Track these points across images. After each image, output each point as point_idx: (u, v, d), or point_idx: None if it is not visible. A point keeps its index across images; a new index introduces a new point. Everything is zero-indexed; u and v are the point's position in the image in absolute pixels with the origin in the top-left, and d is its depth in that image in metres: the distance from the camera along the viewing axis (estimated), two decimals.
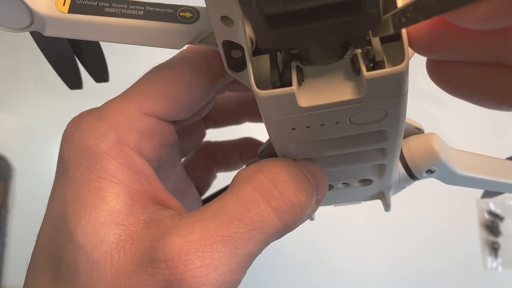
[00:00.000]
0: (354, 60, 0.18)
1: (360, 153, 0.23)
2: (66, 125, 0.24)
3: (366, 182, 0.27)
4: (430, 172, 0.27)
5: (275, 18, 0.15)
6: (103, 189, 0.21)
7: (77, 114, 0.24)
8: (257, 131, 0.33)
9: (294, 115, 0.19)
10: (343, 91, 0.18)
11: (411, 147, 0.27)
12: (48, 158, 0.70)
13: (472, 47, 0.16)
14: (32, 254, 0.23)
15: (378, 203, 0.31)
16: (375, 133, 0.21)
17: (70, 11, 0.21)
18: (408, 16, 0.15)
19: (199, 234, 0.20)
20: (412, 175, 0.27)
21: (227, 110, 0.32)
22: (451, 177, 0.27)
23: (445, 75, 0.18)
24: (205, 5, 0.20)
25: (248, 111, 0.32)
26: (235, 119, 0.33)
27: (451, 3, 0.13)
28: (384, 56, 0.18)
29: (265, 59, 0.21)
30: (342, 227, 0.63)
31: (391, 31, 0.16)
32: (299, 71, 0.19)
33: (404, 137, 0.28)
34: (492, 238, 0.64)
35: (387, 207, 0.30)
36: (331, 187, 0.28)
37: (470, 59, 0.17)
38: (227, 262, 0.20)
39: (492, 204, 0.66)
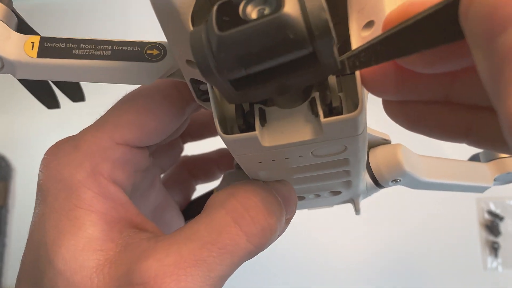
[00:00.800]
0: (312, 104, 0.19)
1: (326, 174, 0.25)
2: (44, 153, 0.25)
3: (335, 193, 0.29)
4: (395, 181, 0.28)
5: (238, 81, 0.16)
6: (80, 218, 0.22)
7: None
8: None
9: (259, 152, 0.20)
10: (303, 132, 0.19)
11: (377, 158, 0.28)
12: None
13: (422, 87, 0.17)
14: (16, 279, 0.24)
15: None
16: (337, 160, 0.22)
17: (39, 55, 0.22)
18: (361, 60, 0.16)
19: (173, 258, 0.21)
20: (378, 184, 0.29)
21: (203, 124, 0.33)
22: (416, 184, 0.29)
23: (399, 113, 0.19)
24: None
25: None
26: (212, 132, 0.34)
27: (398, 52, 0.14)
28: (341, 99, 0.19)
29: None
30: (339, 230, 0.63)
31: (347, 71, 0.17)
32: (262, 113, 0.20)
33: (371, 147, 0.29)
34: (492, 238, 0.65)
35: (357, 211, 0.32)
36: (302, 198, 0.29)
37: (421, 99, 0.18)
38: (200, 285, 0.21)
39: (492, 204, 0.66)
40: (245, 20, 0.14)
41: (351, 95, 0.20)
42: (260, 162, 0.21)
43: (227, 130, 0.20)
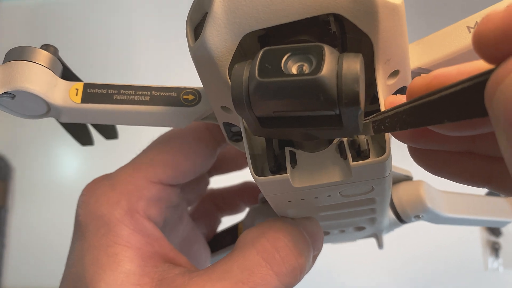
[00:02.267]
0: (341, 147, 0.21)
1: (352, 211, 0.26)
2: (82, 191, 0.27)
3: (360, 228, 0.30)
4: (418, 217, 0.29)
5: (265, 119, 0.18)
6: (119, 253, 0.24)
7: None
8: None
9: (289, 192, 0.22)
10: (332, 174, 0.21)
11: (400, 194, 0.29)
12: (47, 159, 0.71)
13: (447, 141, 0.19)
14: None
15: None
16: (364, 199, 0.24)
17: (83, 100, 0.24)
18: (386, 125, 0.16)
19: None
20: (401, 220, 0.30)
21: (229, 159, 0.34)
22: (438, 219, 0.30)
23: (424, 159, 0.20)
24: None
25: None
26: (237, 166, 0.35)
27: (422, 122, 0.15)
28: (368, 143, 0.20)
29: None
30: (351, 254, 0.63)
31: (372, 133, 0.18)
32: (293, 155, 0.21)
33: (394, 183, 0.30)
34: (493, 238, 0.65)
35: (380, 245, 0.33)
36: (327, 233, 0.31)
37: (446, 149, 0.19)
38: None
39: None
40: (285, 73, 0.16)
41: (376, 137, 0.21)
42: (290, 201, 0.23)
43: (257, 170, 0.22)
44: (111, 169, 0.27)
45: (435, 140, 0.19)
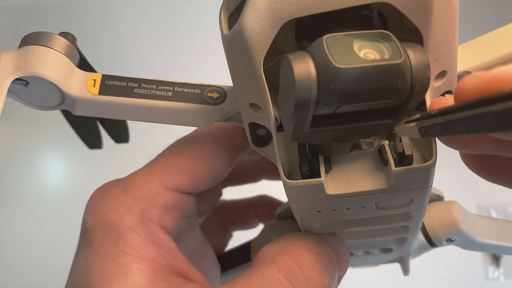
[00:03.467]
0: (381, 151, 0.20)
1: (383, 229, 0.24)
2: (90, 195, 0.25)
3: (386, 250, 0.28)
4: (449, 240, 0.28)
5: (320, 118, 0.17)
6: (128, 265, 0.22)
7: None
8: (273, 188, 0.34)
9: (321, 200, 0.20)
10: (370, 181, 0.19)
11: (431, 216, 0.28)
12: (33, 164, 0.70)
13: (503, 145, 0.17)
14: None
15: None
16: (399, 214, 0.22)
17: (101, 92, 0.22)
18: (436, 131, 0.15)
19: None
20: (432, 243, 0.28)
21: (245, 169, 0.33)
22: (470, 244, 0.29)
23: (480, 165, 0.19)
24: (231, 84, 0.21)
25: (264, 170, 0.33)
26: (252, 178, 0.34)
27: (478, 130, 0.13)
28: (412, 149, 0.19)
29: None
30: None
31: (419, 137, 0.17)
32: (327, 159, 0.20)
33: None
34: None
35: (405, 271, 0.31)
36: (351, 254, 0.29)
37: (502, 154, 0.18)
38: None
39: (494, 211, 0.65)
40: (364, 59, 0.15)
41: (417, 144, 0.20)
42: (319, 211, 0.21)
43: (286, 175, 0.21)
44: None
45: (494, 144, 0.17)
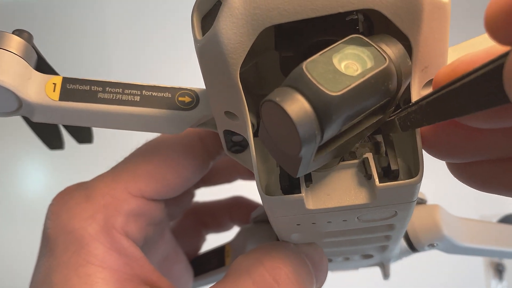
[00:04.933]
0: (365, 164, 0.19)
1: (365, 238, 0.24)
2: (52, 199, 0.25)
3: (367, 256, 0.29)
4: (432, 245, 0.28)
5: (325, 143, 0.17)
6: (92, 275, 0.22)
7: None
8: (248, 189, 0.33)
9: (300, 215, 0.20)
10: (352, 195, 0.19)
11: (413, 220, 0.28)
12: (13, 172, 0.70)
13: (486, 145, 0.17)
14: None
15: None
16: (382, 225, 0.22)
17: (61, 98, 0.21)
18: (412, 120, 0.16)
19: None
20: (413, 248, 0.29)
21: (219, 170, 0.33)
22: (453, 249, 0.29)
23: (469, 174, 0.18)
24: (204, 87, 0.21)
25: (239, 170, 0.33)
26: (227, 179, 0.33)
27: (447, 113, 0.15)
28: (397, 162, 0.19)
29: None
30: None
31: (399, 131, 0.17)
32: (307, 173, 0.20)
33: None
34: (496, 259, 0.63)
35: (386, 276, 0.31)
36: (329, 260, 0.29)
37: (488, 157, 0.18)
38: None
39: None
40: (351, 75, 0.15)
41: (403, 155, 0.20)
42: (299, 224, 0.21)
43: (262, 188, 0.20)
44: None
45: (479, 148, 0.17)
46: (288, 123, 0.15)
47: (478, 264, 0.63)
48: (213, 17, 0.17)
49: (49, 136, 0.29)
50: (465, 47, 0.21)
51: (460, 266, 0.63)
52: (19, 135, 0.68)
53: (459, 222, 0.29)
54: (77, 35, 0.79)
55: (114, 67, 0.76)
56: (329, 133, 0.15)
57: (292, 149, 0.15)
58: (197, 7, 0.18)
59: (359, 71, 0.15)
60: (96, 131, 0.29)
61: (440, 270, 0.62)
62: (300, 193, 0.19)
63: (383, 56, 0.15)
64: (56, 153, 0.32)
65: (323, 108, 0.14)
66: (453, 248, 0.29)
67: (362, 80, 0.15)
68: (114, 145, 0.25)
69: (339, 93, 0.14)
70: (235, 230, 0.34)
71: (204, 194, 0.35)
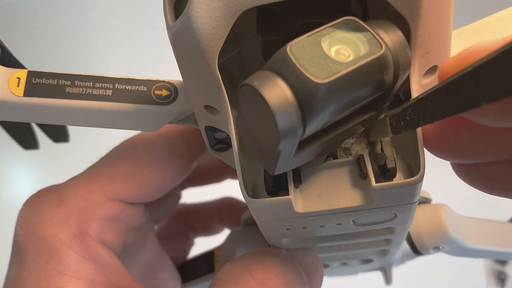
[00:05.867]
0: (360, 162, 0.18)
1: (362, 242, 0.23)
2: (23, 203, 0.23)
3: (366, 261, 0.27)
4: (437, 248, 0.27)
5: (307, 139, 0.15)
6: (64, 286, 0.21)
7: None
8: (239, 188, 0.32)
9: (290, 219, 0.19)
10: (346, 197, 0.18)
11: (417, 222, 0.26)
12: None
13: (496, 145, 0.16)
14: None
15: None
16: (381, 229, 0.21)
17: (26, 93, 0.20)
18: (408, 119, 0.14)
19: None
20: (417, 251, 0.27)
21: (207, 168, 0.31)
22: (461, 251, 0.27)
23: (475, 176, 0.17)
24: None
25: (229, 169, 0.31)
26: (215, 178, 0.32)
27: (451, 108, 0.13)
28: (395, 159, 0.17)
29: None
30: None
31: (390, 134, 0.15)
32: (296, 172, 0.18)
33: None
34: (498, 267, 0.62)
35: (388, 281, 0.30)
36: (326, 265, 0.28)
37: (498, 158, 0.16)
38: None
39: None
40: (342, 62, 0.13)
41: (403, 151, 0.19)
42: (288, 229, 0.20)
43: (248, 189, 0.19)
44: None
45: (485, 148, 0.16)
46: (266, 111, 0.13)
47: (478, 272, 0.62)
48: (186, 0, 0.16)
49: (22, 135, 0.28)
50: (471, 30, 0.20)
51: (460, 274, 0.61)
52: (4, 137, 0.67)
53: (467, 222, 0.28)
54: (54, 30, 0.77)
55: (88, 58, 0.75)
56: (313, 126, 0.14)
57: (270, 142, 0.14)
58: None
59: (351, 58, 0.14)
60: (88, 131, 0.28)
61: (439, 281, 0.61)
62: (288, 194, 0.17)
63: (379, 42, 0.14)
64: (44, 156, 0.31)
65: (307, 96, 0.13)
66: (460, 251, 0.27)
67: (353, 67, 0.13)
68: (108, 146, 0.24)
69: (326, 81, 0.13)
70: (225, 233, 0.33)
71: (191, 195, 0.34)
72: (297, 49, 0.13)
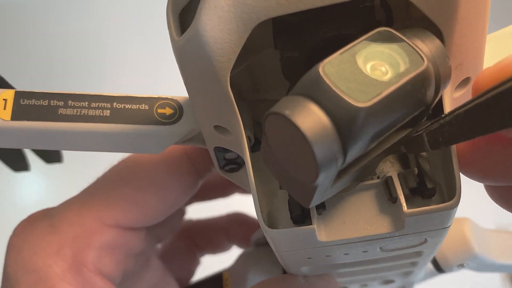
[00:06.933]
0: (389, 185, 0.16)
1: (388, 266, 0.22)
2: (13, 230, 0.22)
3: (387, 281, 0.26)
4: (461, 266, 0.25)
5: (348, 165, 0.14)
6: None
7: None
8: (247, 203, 0.30)
9: (312, 248, 0.17)
10: (374, 223, 0.16)
11: None
12: (10, 182, 0.68)
13: None
14: None
15: None
16: (408, 253, 0.20)
17: (14, 117, 0.18)
18: (446, 135, 0.13)
19: None
20: (440, 269, 0.26)
21: (213, 183, 0.30)
22: (486, 267, 0.26)
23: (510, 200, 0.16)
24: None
25: None
26: (222, 193, 0.30)
27: (490, 125, 0.12)
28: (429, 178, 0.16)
29: None
30: None
31: (428, 149, 0.14)
32: None
33: None
34: None
35: None
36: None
37: None
38: None
39: None
40: (381, 80, 0.12)
41: (434, 173, 0.17)
42: (310, 258, 0.18)
43: (265, 218, 0.17)
44: None
45: None
46: (301, 143, 0.12)
47: (494, 276, 0.61)
48: (193, 11, 0.14)
49: (11, 157, 0.26)
50: (499, 37, 0.18)
51: (476, 277, 0.60)
52: None
53: (492, 236, 0.27)
54: (43, 42, 0.76)
55: (83, 75, 0.74)
56: (353, 154, 0.12)
57: (306, 176, 0.13)
58: (172, 1, 0.15)
59: (389, 75, 0.12)
60: None
61: (453, 283, 0.60)
62: (311, 223, 0.16)
63: (420, 55, 0.13)
64: (55, 165, 0.30)
65: (347, 122, 0.12)
66: (485, 267, 0.26)
67: (396, 86, 0.12)
68: (118, 156, 0.23)
69: (367, 104, 0.12)
70: (234, 251, 0.31)
71: (197, 211, 0.32)
72: (331, 69, 0.12)
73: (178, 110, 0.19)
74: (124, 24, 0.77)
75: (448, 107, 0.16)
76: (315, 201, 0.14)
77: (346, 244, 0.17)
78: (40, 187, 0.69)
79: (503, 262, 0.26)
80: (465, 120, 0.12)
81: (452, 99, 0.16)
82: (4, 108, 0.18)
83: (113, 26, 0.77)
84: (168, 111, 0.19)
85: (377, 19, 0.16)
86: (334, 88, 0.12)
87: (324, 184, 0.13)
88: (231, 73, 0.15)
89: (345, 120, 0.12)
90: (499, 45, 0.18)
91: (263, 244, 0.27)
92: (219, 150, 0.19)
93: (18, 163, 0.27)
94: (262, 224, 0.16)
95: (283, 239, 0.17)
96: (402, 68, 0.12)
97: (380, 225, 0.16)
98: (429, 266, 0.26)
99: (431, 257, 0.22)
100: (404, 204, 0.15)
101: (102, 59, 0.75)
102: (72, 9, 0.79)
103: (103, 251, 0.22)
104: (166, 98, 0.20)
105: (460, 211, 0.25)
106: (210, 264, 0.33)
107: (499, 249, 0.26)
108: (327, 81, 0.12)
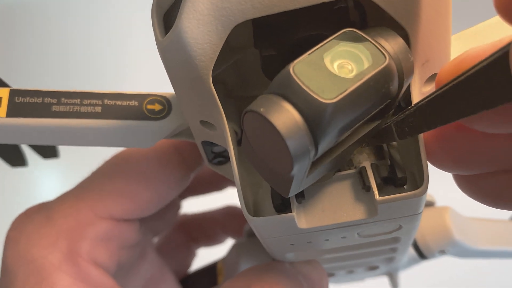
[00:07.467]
0: (363, 175, 0.17)
1: (368, 252, 0.23)
2: (11, 223, 0.23)
3: (372, 268, 0.27)
4: (442, 252, 0.26)
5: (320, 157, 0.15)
6: None
7: None
8: None
9: (293, 235, 0.18)
10: (350, 210, 0.17)
11: (421, 225, 0.26)
12: (27, 180, 0.69)
13: (498, 153, 0.15)
14: None
15: None
16: (386, 239, 0.21)
17: (9, 114, 0.19)
18: (411, 125, 0.15)
19: None
20: (422, 256, 0.27)
21: (206, 177, 0.31)
22: (467, 253, 0.27)
23: (478, 188, 0.16)
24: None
25: None
26: (216, 186, 0.31)
27: (450, 115, 0.13)
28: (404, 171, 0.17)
29: None
30: None
31: (396, 139, 0.15)
32: None
33: None
34: None
35: (394, 286, 0.30)
36: (331, 274, 0.27)
37: (502, 168, 0.16)
38: None
39: None
40: (346, 77, 0.13)
41: (404, 162, 0.18)
42: (292, 244, 0.19)
43: (248, 206, 0.18)
44: None
45: (487, 156, 0.15)
46: (276, 138, 0.13)
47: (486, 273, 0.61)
48: (177, 13, 0.15)
49: (8, 153, 0.27)
50: (469, 34, 0.19)
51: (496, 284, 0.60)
52: None
53: (472, 223, 0.28)
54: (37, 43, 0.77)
55: (76, 72, 0.74)
56: (324, 146, 0.14)
57: (282, 167, 0.14)
58: (156, 3, 0.16)
59: (354, 72, 0.13)
60: None
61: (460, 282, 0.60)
62: (291, 211, 0.17)
63: (382, 53, 0.14)
64: (71, 160, 0.31)
65: (316, 118, 0.13)
66: (466, 253, 0.27)
67: (359, 83, 0.13)
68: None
69: (333, 100, 0.13)
70: (229, 243, 0.32)
71: (192, 205, 0.33)
72: (300, 69, 0.13)
73: (167, 106, 0.20)
74: (131, 24, 0.77)
75: (416, 101, 0.17)
76: (293, 190, 0.15)
77: (325, 230, 0.18)
78: (59, 183, 0.70)
79: (482, 248, 0.27)
80: (427, 111, 0.14)
81: (421, 94, 0.17)
82: (0, 106, 0.19)
83: (119, 26, 0.78)
84: (157, 107, 0.20)
85: (352, 19, 0.17)
86: (303, 87, 0.13)
87: (300, 175, 0.14)
88: (216, 71, 0.16)
89: (314, 116, 0.13)
90: (468, 42, 0.19)
91: (253, 235, 0.28)
92: (207, 144, 0.20)
93: (15, 158, 0.28)
94: (245, 212, 0.17)
95: (265, 226, 0.18)
96: (366, 65, 0.14)
97: (356, 212, 0.17)
98: (412, 252, 0.27)
99: (409, 243, 0.23)
100: (376, 192, 0.16)
101: (102, 59, 0.76)
102: (79, 9, 0.80)
103: (98, 242, 0.22)
104: (155, 95, 0.21)
105: (455, 205, 0.27)
106: (206, 254, 0.34)
107: (478, 235, 0.27)
108: (297, 80, 0.13)
